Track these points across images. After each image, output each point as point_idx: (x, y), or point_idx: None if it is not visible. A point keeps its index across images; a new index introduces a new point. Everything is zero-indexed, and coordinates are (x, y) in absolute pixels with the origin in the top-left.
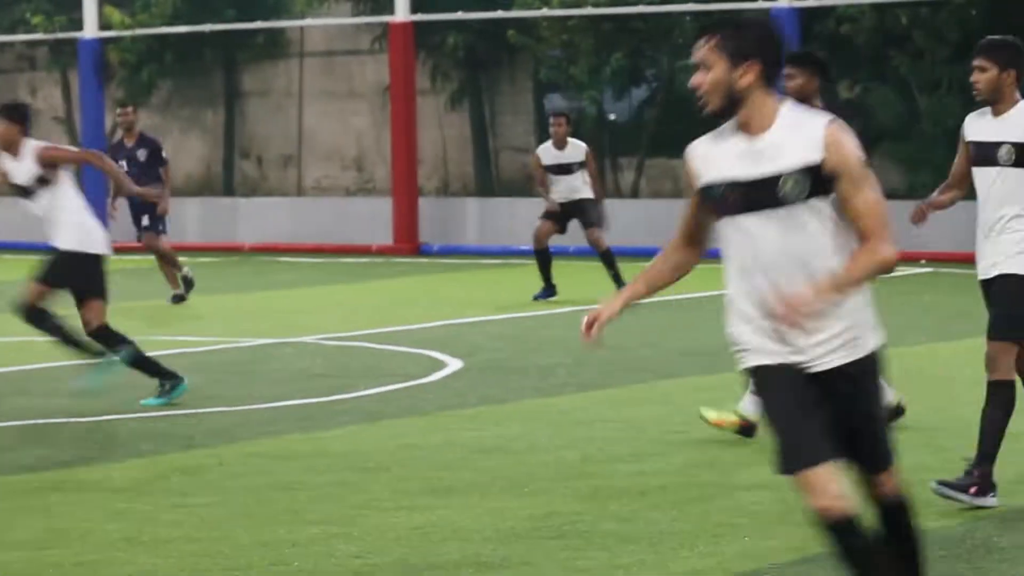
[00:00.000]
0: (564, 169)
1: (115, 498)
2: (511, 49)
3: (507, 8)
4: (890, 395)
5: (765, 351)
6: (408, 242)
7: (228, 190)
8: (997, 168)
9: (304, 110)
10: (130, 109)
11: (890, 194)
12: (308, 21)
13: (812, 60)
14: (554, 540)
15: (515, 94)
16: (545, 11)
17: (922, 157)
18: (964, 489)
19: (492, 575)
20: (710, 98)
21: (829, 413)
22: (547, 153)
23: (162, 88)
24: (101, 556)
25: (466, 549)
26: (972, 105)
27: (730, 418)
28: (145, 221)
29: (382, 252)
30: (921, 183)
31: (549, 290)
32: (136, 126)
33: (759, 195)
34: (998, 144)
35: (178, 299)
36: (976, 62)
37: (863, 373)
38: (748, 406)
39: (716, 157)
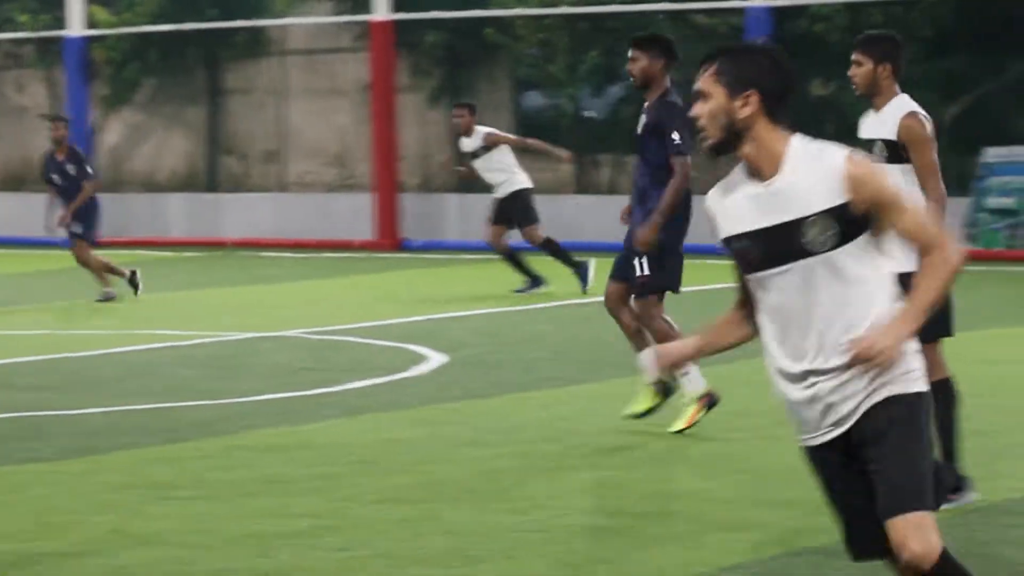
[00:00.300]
0: (473, 156)
1: (102, 491)
2: (489, 47)
3: (485, 7)
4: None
5: (806, 425)
6: (389, 237)
7: (212, 186)
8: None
9: (286, 107)
10: (60, 124)
11: None
12: (290, 20)
13: (657, 41)
14: (538, 534)
15: (494, 92)
16: (522, 10)
17: None
18: (943, 499)
19: (476, 569)
20: (709, 130)
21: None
22: (462, 143)
23: (146, 86)
24: (89, 548)
25: (450, 542)
26: (947, 101)
27: (690, 411)
28: (76, 229)
29: (364, 247)
30: None
31: (535, 281)
32: (66, 140)
33: (781, 245)
34: (873, 141)
35: (107, 298)
36: (853, 56)
37: (876, 418)
38: (691, 383)
39: (730, 208)
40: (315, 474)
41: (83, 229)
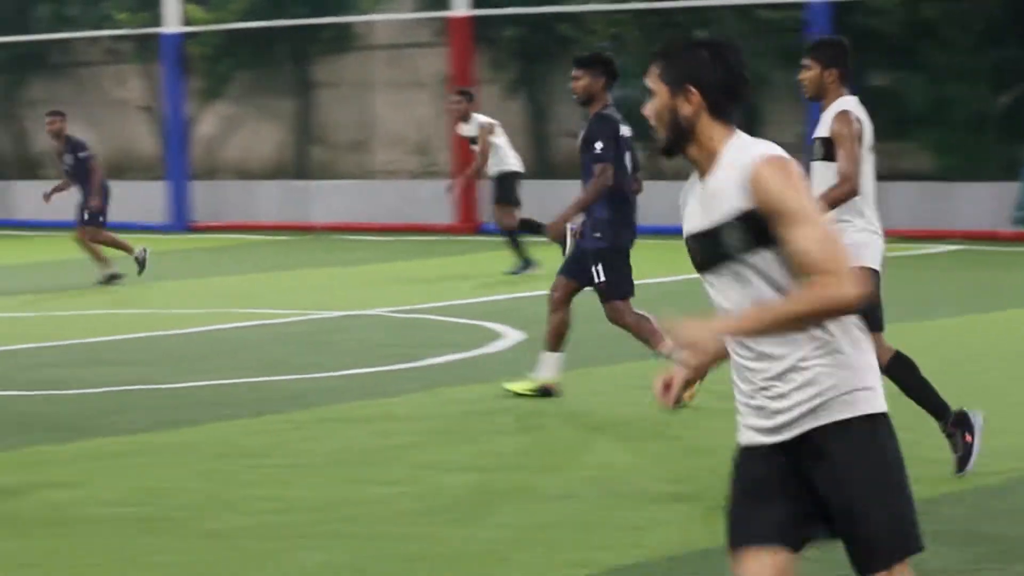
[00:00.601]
0: (472, 141)
1: (198, 460)
2: (562, 42)
3: (559, 3)
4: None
5: (747, 428)
6: (469, 221)
7: (301, 173)
8: (814, 162)
9: (371, 99)
10: (56, 118)
11: (922, 176)
12: (374, 16)
13: (598, 60)
14: (609, 498)
15: (567, 83)
16: (594, 6)
17: (950, 141)
18: (966, 448)
19: (550, 532)
20: (658, 129)
21: (804, 491)
22: (460, 128)
23: (239, 79)
24: (186, 514)
25: (525, 507)
26: (998, 91)
27: (528, 385)
28: (85, 215)
29: (445, 231)
30: (950, 166)
31: (526, 264)
32: (63, 132)
33: (709, 248)
34: (815, 139)
35: (111, 279)
36: (803, 61)
37: (832, 443)
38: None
39: (687, 209)
40: (397, 444)
41: (88, 215)
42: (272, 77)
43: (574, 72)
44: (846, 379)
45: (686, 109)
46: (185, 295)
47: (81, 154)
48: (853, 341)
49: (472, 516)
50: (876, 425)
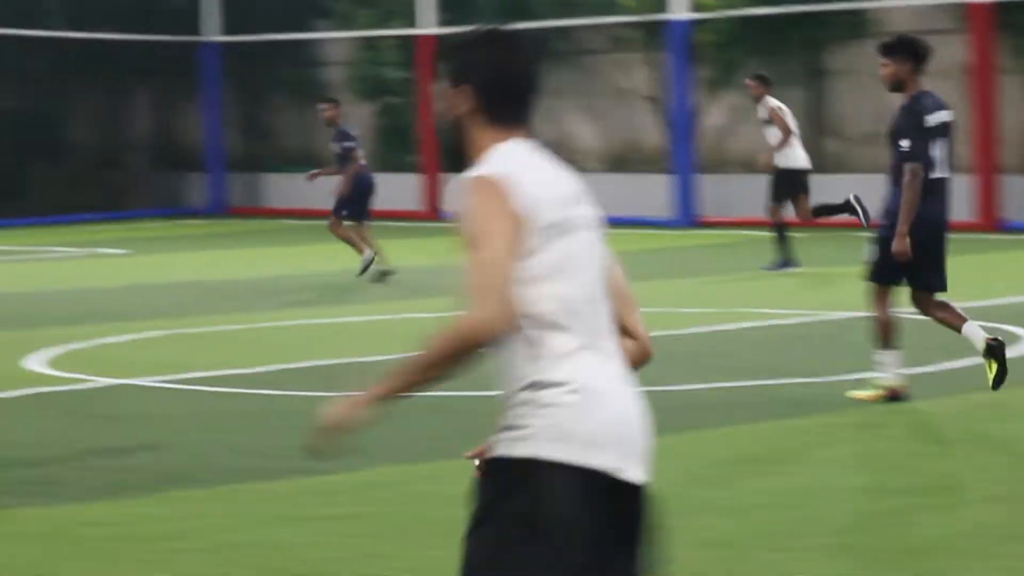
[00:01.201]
0: (765, 123)
1: (699, 464)
2: None
3: None
4: None
5: None
6: (988, 218)
7: (815, 167)
8: None
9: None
10: (326, 106)
11: None
12: (890, 3)
13: (904, 45)
14: None
15: None
16: None
17: None
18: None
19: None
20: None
21: None
22: (758, 110)
23: (748, 68)
24: (682, 521)
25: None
26: None
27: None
28: (343, 210)
29: (963, 228)
30: None
31: (784, 263)
32: (337, 120)
33: None
34: None
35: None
36: None
37: (487, 483)
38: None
39: None
40: (907, 450)
41: (338, 207)
42: (782, 64)
43: (880, 60)
44: (525, 420)
45: (461, 110)
46: (690, 293)
47: (346, 144)
48: (581, 383)
49: (1000, 528)
50: (510, 477)
